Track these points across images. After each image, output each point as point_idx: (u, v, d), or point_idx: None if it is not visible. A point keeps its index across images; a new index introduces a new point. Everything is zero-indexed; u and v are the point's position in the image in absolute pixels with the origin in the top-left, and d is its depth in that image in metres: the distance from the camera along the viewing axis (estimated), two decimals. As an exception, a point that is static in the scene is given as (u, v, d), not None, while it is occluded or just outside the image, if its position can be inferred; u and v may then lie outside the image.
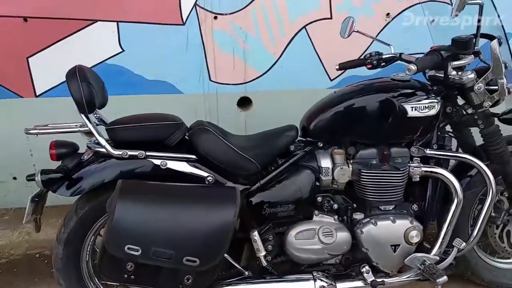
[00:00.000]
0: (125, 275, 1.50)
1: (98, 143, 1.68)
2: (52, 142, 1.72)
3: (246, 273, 1.78)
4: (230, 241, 1.51)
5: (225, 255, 1.62)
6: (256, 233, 1.76)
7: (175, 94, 2.73)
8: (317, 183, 1.81)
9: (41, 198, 1.74)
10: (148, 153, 1.68)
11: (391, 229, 1.79)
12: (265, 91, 2.79)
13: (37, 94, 2.65)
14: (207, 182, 1.71)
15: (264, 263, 1.77)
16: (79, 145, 1.78)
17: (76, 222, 1.74)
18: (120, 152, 1.66)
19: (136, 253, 1.46)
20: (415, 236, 1.79)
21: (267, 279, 1.77)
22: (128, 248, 1.45)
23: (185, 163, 1.71)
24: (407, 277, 1.85)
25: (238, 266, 1.77)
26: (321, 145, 1.86)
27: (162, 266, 1.49)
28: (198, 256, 1.48)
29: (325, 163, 1.81)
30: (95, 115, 1.84)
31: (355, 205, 1.87)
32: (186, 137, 1.79)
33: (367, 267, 1.82)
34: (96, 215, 1.74)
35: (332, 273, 1.86)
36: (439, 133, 1.90)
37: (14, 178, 2.90)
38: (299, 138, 1.90)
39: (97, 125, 1.83)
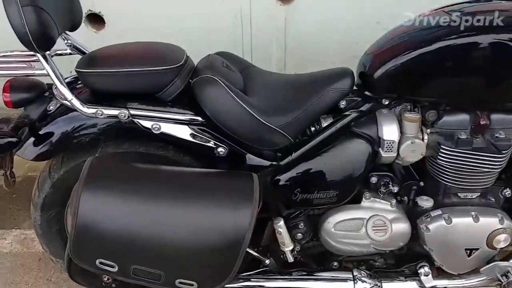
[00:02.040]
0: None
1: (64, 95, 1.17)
2: (7, 82, 1.24)
3: (267, 261, 1.39)
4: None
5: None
6: (282, 223, 1.30)
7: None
8: (374, 158, 1.28)
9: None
10: (133, 112, 1.18)
11: (471, 230, 1.28)
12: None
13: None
14: (217, 154, 1.22)
15: (291, 259, 1.35)
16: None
17: (52, 186, 1.35)
18: (94, 111, 1.16)
19: (112, 269, 1.06)
20: (502, 241, 1.28)
21: (294, 275, 1.37)
22: (101, 263, 1.05)
23: (186, 127, 1.21)
24: (479, 281, 1.40)
25: (256, 254, 1.37)
26: (387, 102, 1.27)
27: None
28: (196, 279, 1.07)
29: (390, 132, 1.24)
30: (66, 42, 1.31)
31: (422, 183, 1.34)
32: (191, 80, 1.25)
33: (426, 268, 1.37)
34: (75, 179, 1.31)
35: (378, 267, 1.44)
36: None
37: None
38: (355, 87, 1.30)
39: (69, 54, 1.31)
